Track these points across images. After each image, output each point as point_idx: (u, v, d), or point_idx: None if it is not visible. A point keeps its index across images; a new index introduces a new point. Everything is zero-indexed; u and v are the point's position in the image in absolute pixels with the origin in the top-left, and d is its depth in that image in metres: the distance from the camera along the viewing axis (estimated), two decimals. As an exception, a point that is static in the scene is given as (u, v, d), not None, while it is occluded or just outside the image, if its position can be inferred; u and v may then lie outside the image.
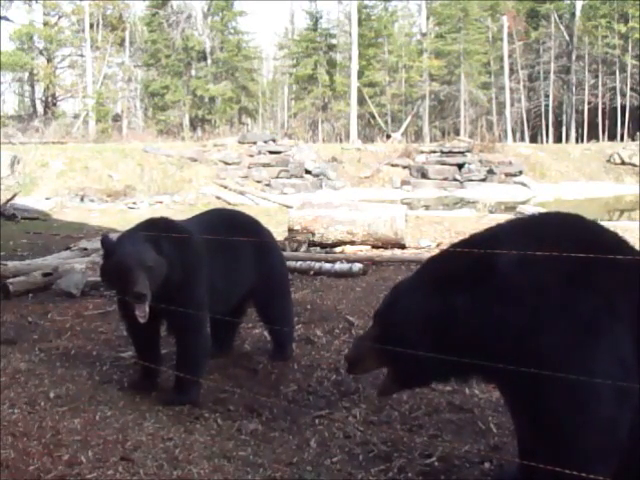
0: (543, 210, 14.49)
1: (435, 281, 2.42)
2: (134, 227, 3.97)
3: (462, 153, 25.08)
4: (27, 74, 36.90)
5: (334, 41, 40.20)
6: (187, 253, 3.80)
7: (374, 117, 38.06)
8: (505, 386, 2.47)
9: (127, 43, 37.76)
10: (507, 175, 24.66)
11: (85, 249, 8.07)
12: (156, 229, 3.76)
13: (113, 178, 20.29)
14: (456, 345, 2.33)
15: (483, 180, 24.23)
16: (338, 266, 7.33)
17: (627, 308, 2.22)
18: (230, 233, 4.09)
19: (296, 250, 8.50)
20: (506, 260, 2.31)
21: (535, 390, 2.21)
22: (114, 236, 3.93)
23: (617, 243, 2.41)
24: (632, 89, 38.60)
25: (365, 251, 8.48)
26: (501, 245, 2.36)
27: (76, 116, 35.27)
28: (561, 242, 2.29)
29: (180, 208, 16.00)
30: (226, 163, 22.34)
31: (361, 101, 36.15)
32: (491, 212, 14.17)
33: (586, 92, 38.74)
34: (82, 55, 35.91)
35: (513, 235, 2.44)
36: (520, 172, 24.98)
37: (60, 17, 36.03)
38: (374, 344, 2.50)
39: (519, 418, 2.48)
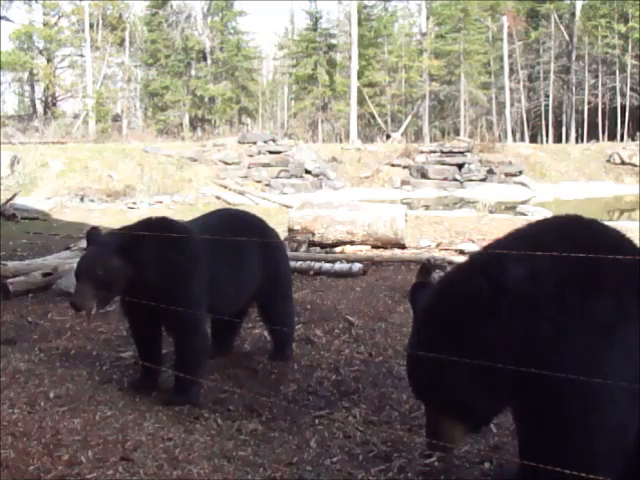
0: (542, 209, 14.50)
1: (448, 330, 2.26)
2: (127, 226, 3.98)
3: (462, 153, 25.08)
4: (27, 74, 36.90)
5: (334, 41, 40.19)
6: (180, 253, 3.79)
7: (374, 117, 38.05)
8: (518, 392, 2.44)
9: (127, 43, 37.75)
10: (507, 175, 24.66)
11: (85, 249, 8.06)
12: (151, 229, 3.76)
13: (113, 178, 20.29)
14: (494, 376, 2.23)
15: (483, 180, 24.23)
16: (338, 266, 7.33)
17: (637, 309, 2.21)
18: (235, 233, 4.07)
19: (296, 250, 8.49)
20: (515, 277, 2.26)
21: (546, 394, 2.20)
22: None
23: (620, 243, 2.39)
24: (632, 89, 38.58)
25: (365, 251, 8.48)
26: (505, 262, 2.29)
27: (76, 116, 35.27)
28: (565, 250, 2.26)
29: (180, 208, 16.00)
30: (226, 163, 22.34)
31: (361, 101, 36.14)
32: (491, 212, 14.16)
33: (586, 92, 38.73)
34: (82, 55, 35.90)
35: (517, 248, 2.35)
36: (520, 172, 24.98)
37: (60, 17, 36.03)
38: (438, 417, 2.37)
39: (522, 419, 2.47)
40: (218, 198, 18.53)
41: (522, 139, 38.53)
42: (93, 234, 3.77)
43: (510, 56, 39.11)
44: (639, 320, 2.20)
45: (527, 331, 2.22)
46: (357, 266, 7.26)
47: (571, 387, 2.14)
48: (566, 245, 2.27)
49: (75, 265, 3.77)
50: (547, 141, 39.04)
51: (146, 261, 3.63)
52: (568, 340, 2.20)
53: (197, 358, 3.88)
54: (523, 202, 19.95)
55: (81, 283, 3.54)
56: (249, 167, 22.35)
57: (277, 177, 22.21)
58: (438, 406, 2.34)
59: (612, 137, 36.37)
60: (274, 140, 24.57)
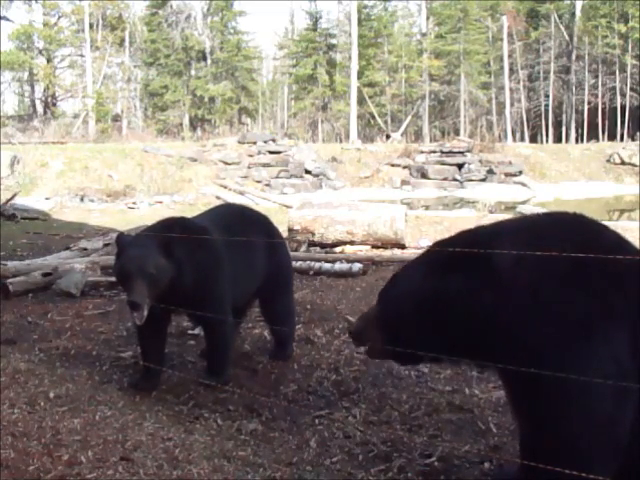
0: (542, 209, 14.50)
1: (433, 263, 2.51)
2: (150, 226, 4.06)
3: (462, 153, 25.07)
4: (27, 74, 36.90)
5: (334, 41, 40.20)
6: (205, 252, 3.90)
7: (374, 117, 38.05)
8: (501, 378, 2.51)
9: (127, 43, 37.76)
10: (507, 175, 24.65)
11: (85, 249, 8.06)
12: (173, 229, 3.82)
13: (113, 178, 20.30)
14: (447, 327, 2.40)
15: (483, 180, 24.23)
16: (338, 266, 7.33)
17: (624, 308, 2.22)
18: (243, 229, 4.23)
19: (296, 250, 8.49)
20: (504, 258, 2.34)
21: (528, 386, 2.23)
22: (135, 230, 4.01)
23: (617, 243, 2.41)
24: (632, 89, 38.58)
25: (365, 251, 8.48)
26: (501, 239, 2.40)
27: (76, 116, 35.29)
28: (561, 241, 2.30)
29: (180, 208, 15.99)
30: (226, 163, 22.34)
31: (361, 101, 36.15)
32: (491, 212, 14.15)
33: (586, 92, 38.73)
34: (82, 55, 35.93)
35: (515, 231, 2.50)
36: (520, 172, 24.98)
37: (60, 17, 36.04)
38: (375, 319, 2.63)
39: (520, 418, 2.49)
40: (218, 198, 18.53)
41: (522, 139, 38.53)
42: (123, 238, 3.84)
43: (510, 56, 39.11)
44: (626, 318, 2.21)
45: (496, 306, 2.30)
46: (357, 266, 7.26)
47: (540, 374, 2.17)
48: (563, 240, 2.32)
49: (116, 268, 3.82)
50: (547, 141, 39.04)
51: (181, 261, 3.73)
52: (536, 329, 2.24)
53: (227, 344, 4.12)
54: (523, 202, 19.96)
55: (136, 282, 3.54)
56: (249, 167, 22.35)
57: (277, 177, 22.21)
58: (382, 312, 2.61)
59: (612, 137, 36.37)
60: (274, 140, 24.56)
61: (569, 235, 2.37)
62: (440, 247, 2.59)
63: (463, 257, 2.38)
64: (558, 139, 39.44)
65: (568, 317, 2.22)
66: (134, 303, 3.54)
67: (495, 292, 2.31)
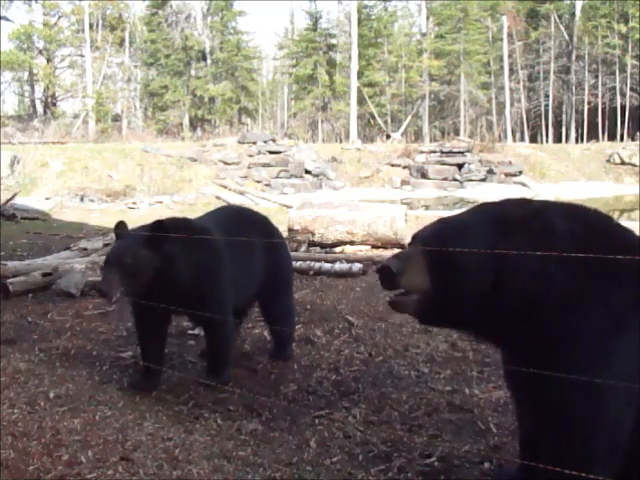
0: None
1: (499, 220, 2.34)
2: (148, 225, 4.02)
3: (462, 153, 25.04)
4: (27, 74, 36.91)
5: (334, 41, 40.20)
6: (206, 252, 3.91)
7: (374, 117, 38.04)
8: (515, 359, 2.43)
9: (127, 43, 37.78)
10: (507, 175, 24.64)
11: (85, 249, 8.06)
12: (167, 225, 3.82)
13: (113, 178, 20.29)
14: (501, 289, 2.27)
15: (483, 180, 24.21)
16: (338, 266, 7.33)
17: None
18: (243, 229, 4.24)
19: (296, 250, 8.49)
20: (562, 224, 2.33)
21: (544, 376, 2.20)
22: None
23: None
24: (632, 89, 38.59)
25: (365, 251, 8.48)
26: (553, 214, 2.38)
27: (76, 116, 35.29)
28: (603, 233, 2.35)
29: (180, 208, 16.00)
30: (226, 163, 22.33)
31: (361, 101, 36.13)
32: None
33: (586, 92, 38.73)
34: (82, 55, 35.94)
35: (564, 211, 2.44)
36: (520, 172, 24.97)
37: (60, 17, 36.03)
38: (424, 265, 2.32)
39: (524, 415, 2.47)
40: (218, 198, 18.53)
41: (522, 139, 38.50)
42: (121, 228, 3.88)
43: (510, 56, 39.09)
44: None
45: (553, 277, 2.24)
46: (357, 266, 7.26)
47: (573, 367, 2.15)
48: (606, 232, 2.38)
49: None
50: (547, 141, 39.03)
51: (173, 255, 3.73)
52: (577, 312, 2.22)
53: (227, 344, 4.14)
54: (523, 202, 19.91)
55: (109, 270, 3.62)
56: (249, 167, 22.34)
57: (277, 177, 22.19)
58: (430, 257, 2.32)
59: (612, 137, 36.36)
60: (274, 140, 24.54)
61: (611, 230, 2.42)
62: (495, 207, 2.45)
63: (528, 221, 2.31)
64: (558, 139, 39.43)
65: (606, 309, 2.21)
66: (100, 291, 3.68)
67: (555, 263, 2.25)
